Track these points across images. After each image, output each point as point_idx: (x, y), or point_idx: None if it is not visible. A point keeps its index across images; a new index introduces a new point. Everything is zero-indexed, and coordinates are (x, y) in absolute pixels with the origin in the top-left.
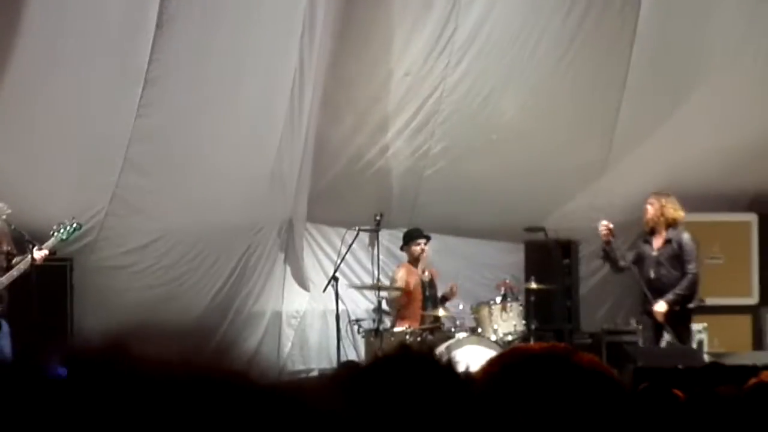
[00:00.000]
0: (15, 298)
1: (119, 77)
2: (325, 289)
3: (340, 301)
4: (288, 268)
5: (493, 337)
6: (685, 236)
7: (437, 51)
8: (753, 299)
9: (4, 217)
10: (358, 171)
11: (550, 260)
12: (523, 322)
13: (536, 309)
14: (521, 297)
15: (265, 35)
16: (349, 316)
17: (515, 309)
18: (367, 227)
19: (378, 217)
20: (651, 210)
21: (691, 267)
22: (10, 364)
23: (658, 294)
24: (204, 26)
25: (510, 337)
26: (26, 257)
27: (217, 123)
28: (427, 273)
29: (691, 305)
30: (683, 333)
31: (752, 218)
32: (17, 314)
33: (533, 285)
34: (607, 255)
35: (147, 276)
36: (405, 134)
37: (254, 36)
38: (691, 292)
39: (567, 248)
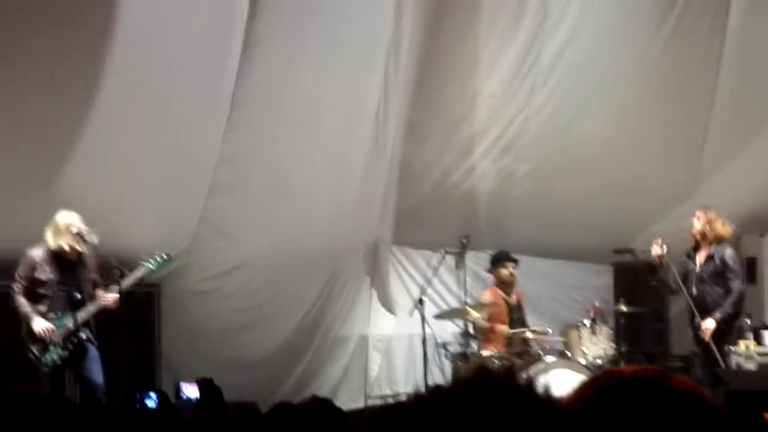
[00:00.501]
0: (103, 324)
1: (206, 101)
2: (412, 313)
3: (426, 325)
4: (374, 292)
5: (583, 361)
6: (729, 252)
7: (523, 73)
8: None
9: (92, 244)
10: (444, 193)
11: (639, 282)
12: (613, 345)
13: (626, 332)
14: (610, 320)
15: (351, 58)
16: (435, 340)
17: (604, 332)
18: (454, 249)
19: (464, 240)
20: (698, 224)
21: (736, 284)
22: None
23: (703, 311)
24: (289, 50)
25: (600, 361)
26: (106, 294)
27: (302, 147)
28: (514, 296)
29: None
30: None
31: None
32: (105, 340)
33: (623, 308)
34: (658, 278)
35: (233, 301)
36: (491, 155)
37: (340, 59)
38: (737, 311)
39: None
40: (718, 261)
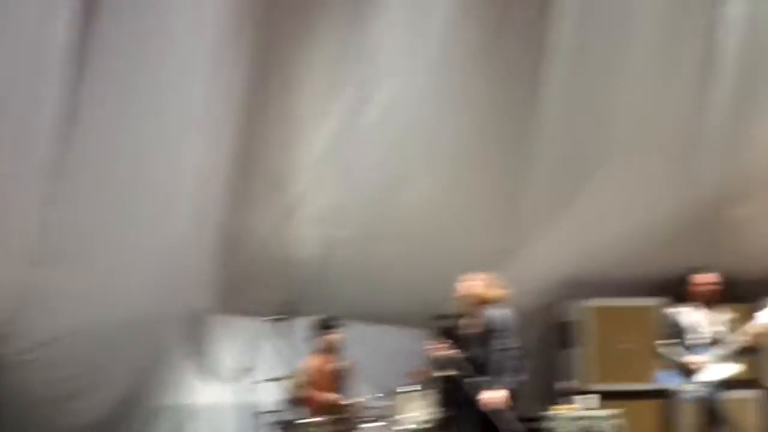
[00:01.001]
0: None
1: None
2: (237, 382)
3: (253, 393)
4: (200, 360)
5: (406, 426)
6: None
7: (344, 137)
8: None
9: None
10: (266, 260)
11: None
12: (438, 408)
13: (448, 396)
14: (433, 384)
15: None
16: (262, 409)
17: (427, 396)
18: (279, 317)
19: (288, 307)
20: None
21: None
22: None
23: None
24: (113, 118)
25: (423, 426)
26: None
27: (124, 215)
28: (340, 362)
29: None
30: None
31: (661, 302)
32: None
33: (443, 372)
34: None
35: (59, 370)
36: (313, 220)
37: (159, 123)
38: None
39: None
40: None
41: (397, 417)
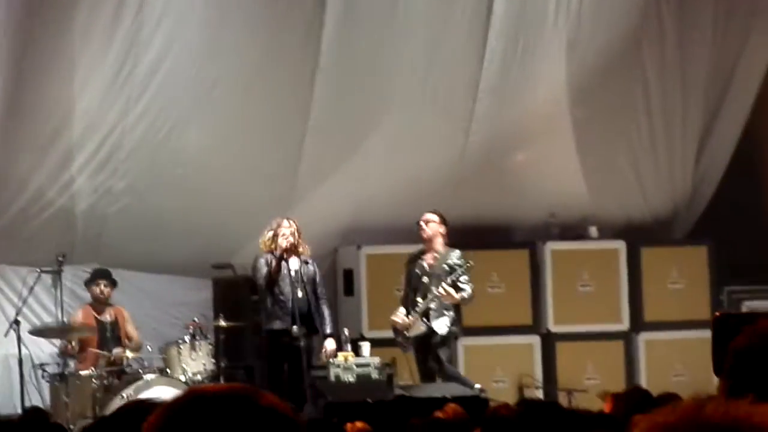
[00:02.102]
0: None
1: None
2: (6, 334)
3: (22, 346)
4: None
5: (183, 378)
6: None
7: (118, 84)
8: None
9: None
10: (39, 209)
11: (238, 297)
12: (213, 360)
13: (226, 347)
14: (210, 335)
15: None
16: (32, 361)
17: (204, 348)
18: (50, 268)
19: (60, 258)
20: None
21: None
22: None
23: None
24: None
25: (200, 377)
26: None
27: None
28: (108, 314)
29: None
30: None
31: None
32: None
33: (222, 323)
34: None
35: None
36: (87, 171)
37: None
38: None
39: (255, 284)
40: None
41: (174, 369)
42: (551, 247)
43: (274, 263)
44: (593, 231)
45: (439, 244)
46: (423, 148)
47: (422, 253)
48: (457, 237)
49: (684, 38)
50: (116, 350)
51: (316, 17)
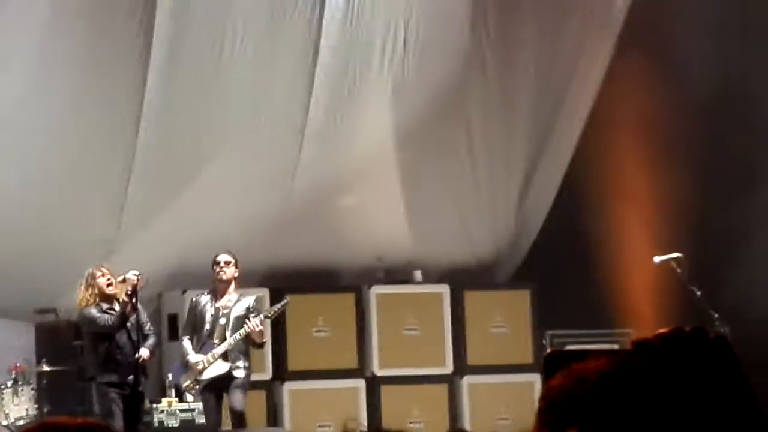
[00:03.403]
0: None
1: None
2: None
3: None
4: None
5: (5, 422)
6: None
7: None
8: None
9: None
10: None
11: (60, 341)
12: (36, 405)
13: (49, 392)
14: (33, 380)
15: None
16: None
17: (27, 393)
18: None
19: None
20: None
21: None
22: None
23: None
24: None
25: (22, 422)
26: None
27: None
28: None
29: None
30: None
31: (264, 293)
32: None
33: (45, 368)
34: None
35: None
36: None
37: None
38: None
39: (79, 329)
40: None
41: None
42: (376, 290)
43: (121, 309)
44: (418, 275)
45: (233, 286)
46: (249, 192)
47: (214, 294)
48: (284, 280)
49: (507, 83)
50: None
51: (141, 58)
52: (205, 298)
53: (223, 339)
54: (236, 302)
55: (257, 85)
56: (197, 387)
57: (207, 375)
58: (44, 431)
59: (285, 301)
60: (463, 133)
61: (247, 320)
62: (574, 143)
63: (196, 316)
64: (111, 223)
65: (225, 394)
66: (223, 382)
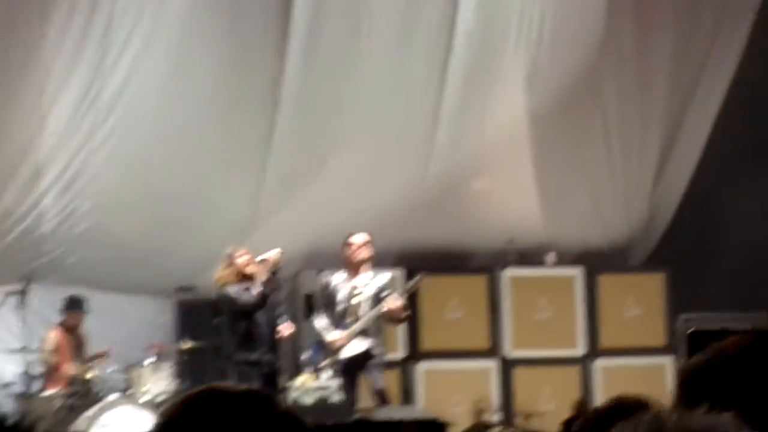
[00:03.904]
0: None
1: None
2: None
3: None
4: None
5: (145, 398)
6: None
7: (84, 107)
8: None
9: None
10: (6, 230)
11: (200, 320)
12: (175, 381)
13: (188, 368)
14: (173, 357)
15: None
16: (2, 380)
17: (166, 369)
18: (16, 289)
19: (27, 279)
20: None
21: None
22: None
23: None
24: None
25: (162, 398)
26: None
27: None
28: (81, 337)
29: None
30: None
31: (398, 273)
32: None
33: (184, 345)
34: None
35: None
36: (54, 192)
37: None
38: None
39: (218, 307)
40: None
41: (136, 389)
42: (509, 273)
43: (264, 288)
44: (551, 257)
45: (367, 266)
46: (384, 174)
47: (349, 274)
48: (418, 261)
49: (642, 65)
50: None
51: (280, 41)
52: (339, 278)
53: (357, 318)
54: (370, 282)
55: (393, 68)
56: (334, 365)
57: (345, 354)
58: (210, 394)
59: (418, 277)
60: (598, 117)
61: (383, 299)
62: (709, 125)
63: (329, 295)
64: (248, 202)
65: (360, 373)
66: (361, 361)
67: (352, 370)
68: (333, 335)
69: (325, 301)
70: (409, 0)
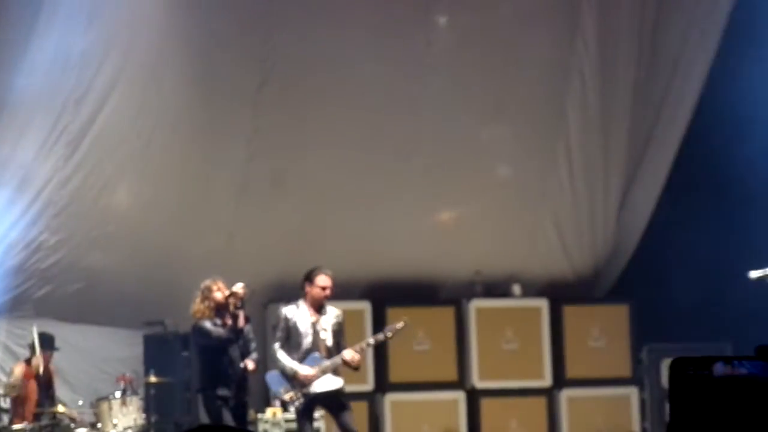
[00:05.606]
0: None
1: None
2: None
3: None
4: None
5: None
6: None
7: (51, 142)
8: None
9: None
10: None
11: (168, 353)
12: (143, 415)
13: (156, 402)
14: (141, 390)
15: None
16: None
17: (135, 403)
18: None
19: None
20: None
21: None
22: None
23: None
24: None
25: (129, 431)
26: None
27: None
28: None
29: None
30: None
31: (366, 306)
32: None
33: (152, 378)
34: None
35: None
36: (19, 225)
37: None
38: None
39: (187, 341)
40: None
41: (105, 424)
42: (476, 304)
43: (233, 322)
44: (517, 289)
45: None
46: (350, 206)
47: (309, 307)
48: (384, 293)
49: (606, 96)
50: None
51: (254, 78)
52: (295, 311)
53: (326, 351)
54: (327, 314)
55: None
56: (301, 399)
57: (318, 388)
58: None
59: (402, 324)
60: (562, 146)
61: (340, 333)
62: (672, 154)
63: (290, 328)
64: (220, 235)
65: (323, 408)
66: (334, 397)
67: (320, 404)
68: (305, 369)
69: (286, 333)
70: None
